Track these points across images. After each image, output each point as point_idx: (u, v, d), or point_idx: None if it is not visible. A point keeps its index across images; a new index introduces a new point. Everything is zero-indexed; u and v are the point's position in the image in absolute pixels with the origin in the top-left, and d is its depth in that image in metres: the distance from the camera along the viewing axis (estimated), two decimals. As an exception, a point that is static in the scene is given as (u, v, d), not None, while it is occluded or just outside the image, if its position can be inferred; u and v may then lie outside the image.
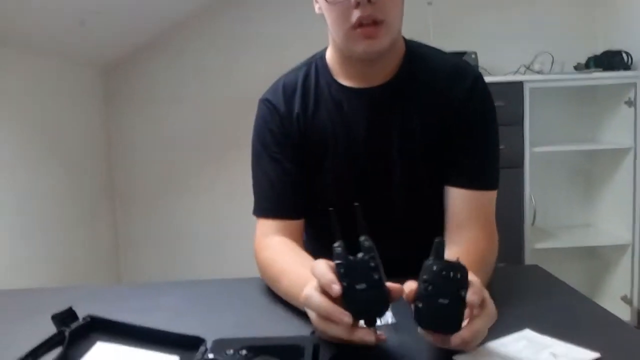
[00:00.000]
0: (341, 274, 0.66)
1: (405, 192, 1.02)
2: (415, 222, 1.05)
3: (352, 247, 1.07)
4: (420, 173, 1.01)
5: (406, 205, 1.03)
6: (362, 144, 1.00)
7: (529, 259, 2.59)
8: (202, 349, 0.67)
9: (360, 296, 0.65)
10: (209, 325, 0.80)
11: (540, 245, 2.66)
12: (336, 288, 0.66)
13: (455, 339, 0.63)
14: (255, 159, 1.05)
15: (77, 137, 2.59)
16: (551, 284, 0.99)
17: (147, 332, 0.70)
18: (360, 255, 0.67)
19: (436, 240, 0.66)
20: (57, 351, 0.64)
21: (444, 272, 0.63)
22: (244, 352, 0.58)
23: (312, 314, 0.70)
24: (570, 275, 1.01)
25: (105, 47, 2.63)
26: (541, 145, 2.61)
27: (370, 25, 0.89)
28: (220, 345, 0.66)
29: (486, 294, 0.68)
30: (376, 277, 0.65)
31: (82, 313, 0.72)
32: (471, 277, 0.66)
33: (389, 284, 0.68)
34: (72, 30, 2.19)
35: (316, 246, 1.20)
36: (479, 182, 0.99)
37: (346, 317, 0.65)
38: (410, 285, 0.67)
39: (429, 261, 0.65)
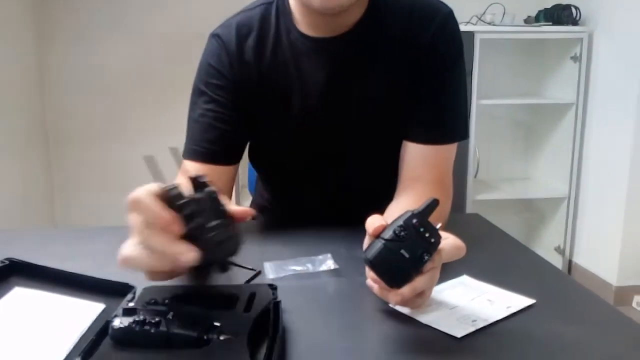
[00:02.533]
0: (188, 215, 0.56)
1: (362, 149, 0.98)
2: (369, 178, 1.02)
3: (311, 201, 1.03)
4: (380, 130, 0.96)
5: (362, 162, 1.00)
6: (319, 98, 0.93)
7: (469, 210, 2.66)
8: (129, 296, 0.63)
9: (214, 235, 0.56)
10: (141, 273, 0.77)
11: (481, 196, 2.74)
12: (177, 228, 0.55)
13: (395, 297, 0.61)
14: (194, 98, 0.97)
15: (6, 71, 2.40)
16: (490, 232, 1.00)
17: (71, 278, 0.66)
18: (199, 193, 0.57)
19: (433, 198, 0.62)
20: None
21: (422, 229, 0.60)
22: (165, 301, 0.55)
23: (135, 220, 0.57)
24: (508, 226, 1.03)
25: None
26: (487, 98, 2.64)
27: None
28: (149, 293, 0.63)
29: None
30: (223, 209, 0.58)
31: (5, 255, 0.67)
32: (443, 244, 0.62)
33: (231, 209, 0.60)
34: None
35: (268, 197, 1.17)
36: (437, 136, 0.94)
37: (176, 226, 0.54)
38: (378, 220, 0.63)
39: (414, 212, 0.61)
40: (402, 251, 0.59)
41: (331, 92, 0.93)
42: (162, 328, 0.52)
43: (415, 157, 0.95)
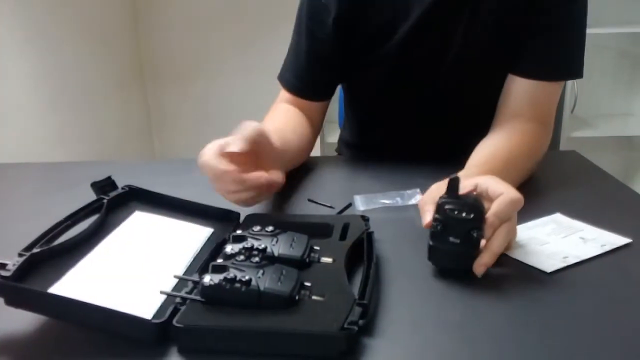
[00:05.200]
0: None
1: (464, 82, 0.96)
2: (466, 111, 1.00)
3: (399, 131, 1.02)
4: (485, 62, 0.93)
5: (462, 94, 0.98)
6: (425, 24, 0.91)
7: (564, 148, 2.54)
8: (235, 222, 0.69)
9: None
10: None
11: (577, 133, 2.60)
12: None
13: (480, 268, 0.60)
14: (297, 28, 1.00)
15: (101, 9, 2.52)
16: (587, 169, 0.97)
17: (183, 204, 0.72)
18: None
19: (451, 177, 0.62)
20: (95, 217, 0.66)
21: (456, 212, 0.59)
22: (270, 228, 0.59)
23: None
24: (606, 166, 0.98)
25: None
26: (590, 27, 2.44)
27: None
28: (251, 220, 0.68)
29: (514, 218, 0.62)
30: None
31: (120, 184, 0.74)
32: (496, 205, 0.60)
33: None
34: None
35: (357, 132, 1.19)
36: (547, 72, 0.90)
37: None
38: (429, 216, 0.63)
39: (442, 199, 0.61)
40: (451, 239, 0.59)
41: (436, 21, 0.90)
42: (253, 286, 0.50)
43: (521, 92, 0.91)
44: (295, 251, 0.57)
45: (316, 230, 0.65)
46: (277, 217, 0.69)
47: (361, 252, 0.61)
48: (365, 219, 0.68)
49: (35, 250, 0.57)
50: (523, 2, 0.88)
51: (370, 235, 0.64)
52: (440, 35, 0.92)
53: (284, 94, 1.03)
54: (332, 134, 2.49)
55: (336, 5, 0.93)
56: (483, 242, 0.61)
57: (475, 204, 0.61)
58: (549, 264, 0.63)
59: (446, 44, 0.93)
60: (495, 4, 0.89)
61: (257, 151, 0.70)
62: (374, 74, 1.00)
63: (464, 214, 0.59)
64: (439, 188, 0.63)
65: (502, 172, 0.74)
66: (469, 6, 0.89)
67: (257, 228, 0.61)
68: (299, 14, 0.99)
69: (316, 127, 1.03)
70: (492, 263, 0.60)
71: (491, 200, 0.62)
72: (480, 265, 0.60)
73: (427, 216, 0.63)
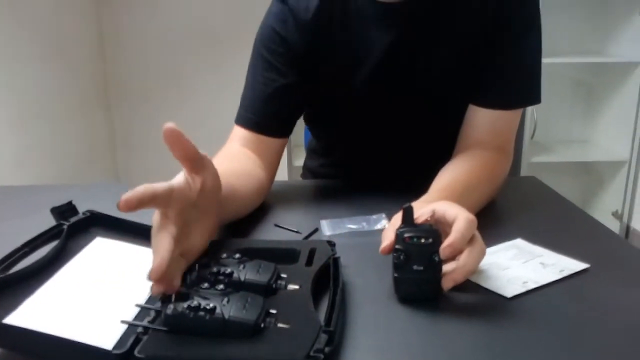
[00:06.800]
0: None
1: (425, 116, 0.98)
2: (428, 142, 1.02)
3: (363, 159, 1.04)
4: (444, 96, 0.95)
5: (423, 127, 1.00)
6: (385, 64, 0.92)
7: (525, 173, 2.61)
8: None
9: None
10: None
11: (537, 159, 2.68)
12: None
13: (448, 283, 0.61)
14: (254, 61, 0.96)
15: (66, 29, 2.49)
16: (546, 195, 1.00)
17: (146, 230, 0.70)
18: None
19: (404, 206, 0.63)
20: (55, 244, 0.65)
21: (415, 239, 0.61)
22: (237, 255, 0.58)
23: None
24: (564, 190, 1.02)
25: None
26: (547, 57, 2.52)
27: None
28: (215, 247, 0.67)
29: (476, 233, 0.63)
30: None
31: (82, 209, 0.72)
32: (458, 223, 0.61)
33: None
34: None
35: (322, 160, 1.20)
36: (507, 102, 0.92)
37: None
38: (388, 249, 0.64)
39: (400, 229, 0.62)
40: (415, 267, 0.60)
41: (397, 58, 0.92)
42: (218, 314, 0.49)
43: (481, 121, 0.93)
44: (262, 277, 0.56)
45: (282, 255, 0.65)
46: (243, 243, 0.68)
47: (328, 277, 0.61)
48: (331, 244, 0.69)
49: (-10, 278, 0.55)
50: (477, 39, 0.91)
51: (336, 260, 0.64)
52: (401, 72, 0.94)
53: (236, 135, 0.95)
54: (299, 158, 2.50)
55: (295, 41, 0.92)
56: (445, 267, 0.62)
57: (431, 229, 0.62)
58: (510, 289, 0.64)
59: (407, 81, 0.95)
60: (449, 43, 0.91)
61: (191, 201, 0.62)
62: (336, 109, 1.00)
63: (422, 240, 0.60)
64: (400, 218, 0.64)
65: (462, 196, 0.76)
66: (425, 47, 0.92)
67: (223, 255, 0.60)
68: (255, 49, 0.96)
69: (271, 170, 0.95)
70: (461, 280, 0.61)
71: (449, 224, 0.63)
72: (449, 280, 0.60)
73: (384, 242, 0.64)
